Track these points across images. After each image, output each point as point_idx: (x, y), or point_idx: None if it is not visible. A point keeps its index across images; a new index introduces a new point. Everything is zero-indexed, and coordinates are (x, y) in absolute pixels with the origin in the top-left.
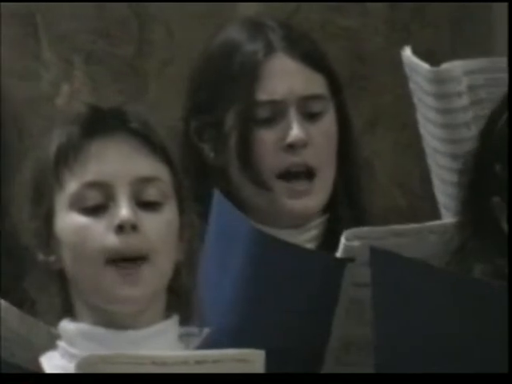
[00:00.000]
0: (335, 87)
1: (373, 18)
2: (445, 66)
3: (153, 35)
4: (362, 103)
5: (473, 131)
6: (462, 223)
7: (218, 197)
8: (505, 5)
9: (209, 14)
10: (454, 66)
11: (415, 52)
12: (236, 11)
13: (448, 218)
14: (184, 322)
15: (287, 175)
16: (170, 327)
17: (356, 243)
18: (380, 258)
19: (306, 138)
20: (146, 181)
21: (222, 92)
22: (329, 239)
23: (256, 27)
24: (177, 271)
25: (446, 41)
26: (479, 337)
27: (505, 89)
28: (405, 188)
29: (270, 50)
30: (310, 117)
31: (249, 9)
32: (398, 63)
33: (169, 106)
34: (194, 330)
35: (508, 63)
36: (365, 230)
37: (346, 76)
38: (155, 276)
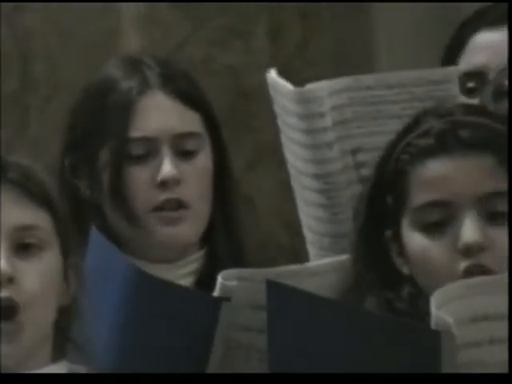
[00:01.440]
0: (211, 125)
1: (255, 55)
2: (309, 86)
3: (36, 70)
4: (245, 140)
5: (335, 151)
6: (355, 257)
7: (94, 233)
8: (386, 40)
9: (91, 50)
10: (318, 87)
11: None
12: (119, 47)
13: (310, 240)
14: (73, 361)
15: (160, 209)
16: (58, 371)
17: (233, 283)
18: (276, 290)
19: (179, 175)
20: (24, 229)
21: (97, 129)
22: (207, 274)
23: (133, 64)
24: (62, 315)
25: (328, 77)
26: (371, 367)
27: (370, 107)
28: (287, 226)
29: (145, 87)
30: (183, 154)
31: (132, 44)
32: None
33: (50, 141)
34: (81, 369)
35: (508, 62)
36: (243, 271)
37: (228, 113)
38: (32, 328)
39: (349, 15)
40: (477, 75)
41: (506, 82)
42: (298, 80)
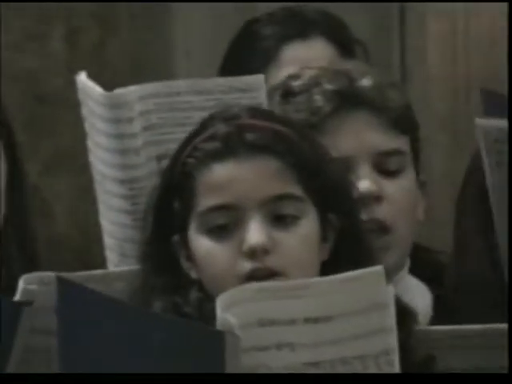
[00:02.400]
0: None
1: (52, 58)
2: (119, 90)
3: None
4: (43, 144)
5: (141, 157)
6: (143, 260)
7: None
8: (185, 41)
9: None
10: (127, 91)
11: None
12: None
13: (111, 245)
14: None
15: None
16: None
17: (34, 287)
18: (66, 288)
19: None
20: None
21: None
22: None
23: None
24: None
25: (126, 82)
26: (156, 367)
27: (179, 114)
28: (83, 230)
29: None
30: None
31: None
32: (78, 104)
33: None
34: None
35: (508, 64)
36: (44, 275)
37: (26, 117)
38: None
39: (147, 16)
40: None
41: (295, 84)
42: (96, 83)
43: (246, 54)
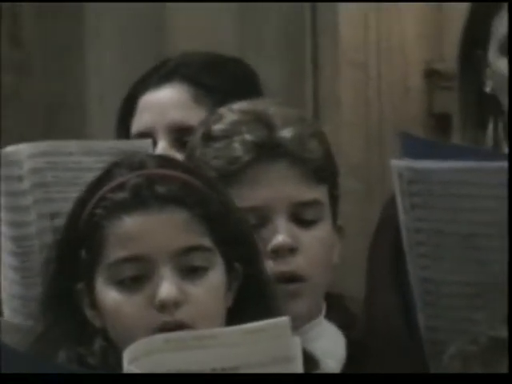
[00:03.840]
0: None
1: None
2: (9, 148)
3: None
4: None
5: (32, 215)
6: (44, 311)
7: None
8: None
9: None
10: (17, 149)
11: None
12: None
13: (5, 300)
14: None
15: None
16: None
17: None
18: None
19: None
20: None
21: None
22: None
23: None
24: None
25: (40, 128)
26: None
27: (70, 173)
28: None
29: None
30: None
31: None
32: None
33: None
34: None
35: (508, 64)
36: None
37: None
38: None
39: (60, 62)
40: (147, 135)
41: (216, 127)
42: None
43: (123, 110)
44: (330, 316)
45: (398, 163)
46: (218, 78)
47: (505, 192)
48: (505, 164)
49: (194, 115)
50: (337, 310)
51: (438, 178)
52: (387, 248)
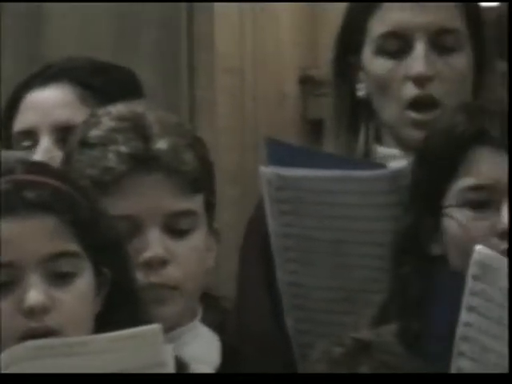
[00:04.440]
0: None
1: None
2: None
3: None
4: None
5: None
6: None
7: None
8: None
9: None
10: None
11: None
12: None
13: None
14: None
15: None
16: None
17: None
18: None
19: None
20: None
21: None
22: None
23: None
24: None
25: None
26: None
27: None
28: None
29: None
30: None
31: None
32: None
33: None
34: None
35: (508, 64)
36: None
37: None
38: None
39: None
40: (29, 134)
41: (92, 133)
42: None
43: (5, 111)
44: (207, 318)
45: (267, 170)
46: (105, 81)
47: (370, 200)
48: (371, 173)
49: (80, 115)
50: (214, 311)
51: (305, 185)
52: (257, 251)
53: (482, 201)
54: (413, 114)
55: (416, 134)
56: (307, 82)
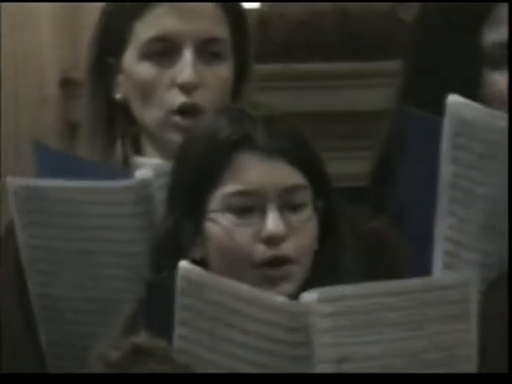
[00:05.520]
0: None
1: None
2: None
3: None
4: None
5: None
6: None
7: None
8: None
9: None
10: None
11: None
12: None
13: None
14: None
15: None
16: None
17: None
18: None
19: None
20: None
21: None
22: None
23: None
24: None
25: None
26: None
27: None
28: None
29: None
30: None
31: None
32: None
33: None
34: None
35: (508, 64)
36: None
37: None
38: None
39: None
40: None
41: None
42: None
43: None
44: None
45: (13, 181)
46: None
47: (117, 210)
48: (117, 183)
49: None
50: None
51: (52, 196)
52: (12, 263)
53: (246, 207)
54: (177, 119)
55: (180, 140)
56: (68, 84)
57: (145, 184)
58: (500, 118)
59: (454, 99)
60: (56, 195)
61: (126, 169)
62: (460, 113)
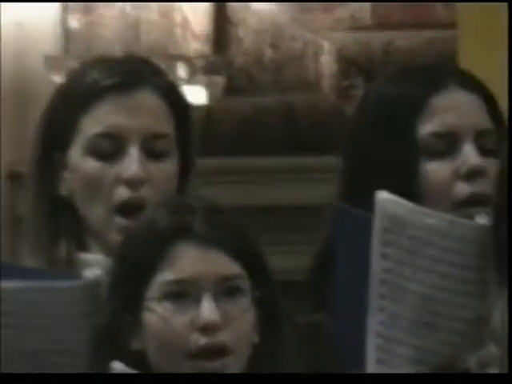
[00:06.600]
0: None
1: None
2: None
3: None
4: None
5: None
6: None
7: None
8: None
9: None
10: None
11: None
12: None
13: None
14: None
15: None
16: None
17: None
18: None
19: None
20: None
21: None
22: None
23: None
24: None
25: None
26: None
27: None
28: None
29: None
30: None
31: None
32: None
33: None
34: None
35: (508, 64)
36: None
37: None
38: None
39: None
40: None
41: None
42: None
43: None
44: None
45: None
46: None
47: (65, 310)
48: (64, 283)
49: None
50: None
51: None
52: None
53: (182, 294)
54: (120, 220)
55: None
56: (16, 178)
57: (93, 283)
58: (429, 216)
59: (382, 196)
60: (6, 296)
61: (72, 270)
62: (389, 209)
